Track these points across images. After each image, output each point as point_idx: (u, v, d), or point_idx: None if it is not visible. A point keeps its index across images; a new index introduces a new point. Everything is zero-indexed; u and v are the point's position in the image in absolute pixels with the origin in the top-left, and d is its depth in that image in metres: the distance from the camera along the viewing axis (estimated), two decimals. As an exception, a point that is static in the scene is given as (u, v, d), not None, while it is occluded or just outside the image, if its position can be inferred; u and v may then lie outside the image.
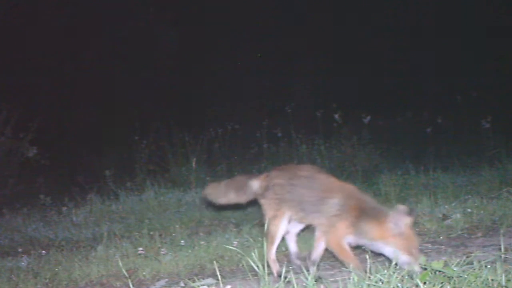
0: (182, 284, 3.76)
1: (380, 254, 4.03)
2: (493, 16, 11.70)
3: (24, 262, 4.54)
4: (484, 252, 3.52)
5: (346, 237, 3.47)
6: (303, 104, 9.48)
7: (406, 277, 2.82)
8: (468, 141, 8.57)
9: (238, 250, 3.82)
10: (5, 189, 7.44)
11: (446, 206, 5.07)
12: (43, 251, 4.88)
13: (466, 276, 2.74)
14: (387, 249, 3.34)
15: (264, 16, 12.43)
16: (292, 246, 3.88)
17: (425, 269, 2.79)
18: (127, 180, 7.11)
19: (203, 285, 3.33)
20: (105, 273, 4.15)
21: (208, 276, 3.79)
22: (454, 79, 10.81)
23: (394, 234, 3.28)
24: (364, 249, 4.17)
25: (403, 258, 3.21)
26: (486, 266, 2.84)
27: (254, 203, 5.94)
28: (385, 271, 2.83)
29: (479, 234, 4.51)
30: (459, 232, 4.53)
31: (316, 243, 3.67)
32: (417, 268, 3.08)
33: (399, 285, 2.74)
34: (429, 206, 5.08)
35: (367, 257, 3.19)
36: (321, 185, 3.59)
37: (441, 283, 2.72)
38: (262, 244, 3.32)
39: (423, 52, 11.95)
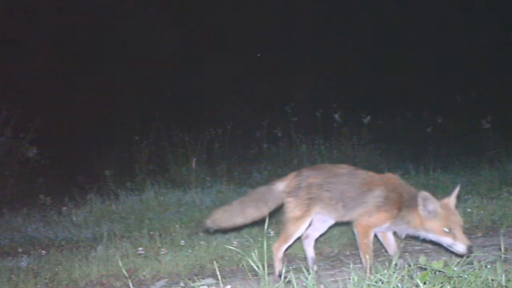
0: (182, 284, 3.76)
1: (380, 254, 4.04)
2: (493, 16, 11.70)
3: (24, 262, 4.54)
4: (484, 252, 3.52)
5: (379, 227, 3.49)
6: (303, 104, 9.48)
7: (406, 277, 2.82)
8: (468, 141, 8.57)
9: (238, 250, 3.82)
10: (5, 189, 7.43)
11: (446, 206, 5.06)
12: (43, 251, 4.88)
13: (466, 276, 2.74)
14: (429, 236, 3.43)
15: (264, 16, 12.43)
16: (310, 251, 3.84)
17: (425, 269, 2.79)
18: (127, 180, 7.11)
19: (203, 285, 3.33)
20: (105, 273, 4.15)
21: (208, 276, 3.79)
22: (454, 79, 10.81)
23: (425, 219, 3.36)
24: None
25: (443, 240, 3.34)
26: (486, 266, 2.84)
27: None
28: (385, 271, 2.83)
29: (479, 234, 4.51)
30: (459, 232, 4.53)
31: (385, 241, 3.69)
32: (460, 248, 3.23)
33: (399, 285, 2.74)
34: (429, 206, 5.07)
35: (367, 257, 3.19)
36: (362, 179, 3.60)
37: (441, 283, 2.72)
38: (262, 244, 3.32)
39: (423, 52, 11.95)
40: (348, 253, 4.26)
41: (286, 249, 4.26)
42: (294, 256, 4.24)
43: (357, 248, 4.23)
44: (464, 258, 3.04)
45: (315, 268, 3.74)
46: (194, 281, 3.37)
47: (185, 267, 4.12)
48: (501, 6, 11.43)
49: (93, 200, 6.36)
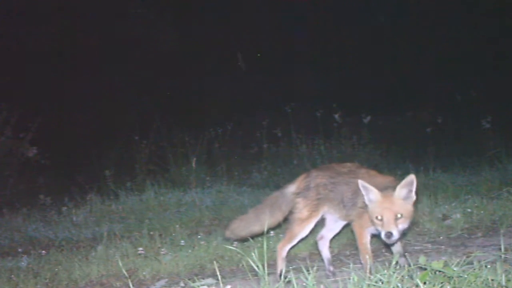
0: (182, 284, 3.76)
1: (380, 255, 4.04)
2: (493, 16, 11.70)
3: (24, 262, 4.54)
4: (484, 252, 3.52)
5: (372, 228, 3.44)
6: (303, 104, 9.48)
7: (406, 277, 2.82)
8: (468, 141, 8.57)
9: (238, 250, 3.82)
10: (5, 189, 7.43)
11: (446, 206, 5.07)
12: (43, 251, 4.87)
13: (466, 276, 2.74)
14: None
15: (265, 16, 12.43)
16: (326, 252, 3.84)
17: (425, 269, 2.79)
18: (127, 180, 7.11)
19: (203, 285, 3.33)
20: (105, 273, 4.15)
21: (208, 276, 3.79)
22: (454, 79, 10.81)
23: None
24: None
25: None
26: (486, 266, 2.84)
27: (253, 200, 5.99)
28: (385, 271, 2.83)
29: (479, 234, 4.51)
30: (459, 232, 4.54)
31: (359, 242, 3.58)
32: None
33: (399, 285, 2.74)
34: (429, 206, 5.08)
35: (367, 257, 3.18)
36: (368, 179, 3.52)
37: (441, 283, 2.72)
38: (262, 244, 3.32)
39: (423, 52, 11.95)
40: (348, 253, 4.26)
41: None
42: (294, 256, 4.24)
43: (357, 248, 4.24)
44: (464, 259, 3.03)
45: (331, 268, 3.75)
46: (194, 281, 3.37)
47: (185, 267, 4.12)
48: (501, 6, 11.43)
49: (93, 200, 6.36)
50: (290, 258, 4.18)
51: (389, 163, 7.81)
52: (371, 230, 3.45)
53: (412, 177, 3.28)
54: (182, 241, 4.62)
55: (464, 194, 5.46)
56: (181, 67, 11.91)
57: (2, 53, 9.62)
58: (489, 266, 2.84)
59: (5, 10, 10.06)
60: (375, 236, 3.47)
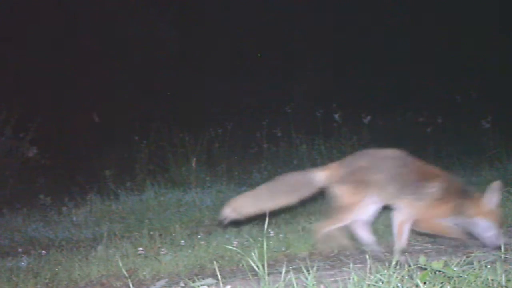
0: (182, 284, 3.76)
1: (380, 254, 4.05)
2: (493, 16, 11.70)
3: (24, 262, 4.54)
4: (484, 252, 3.51)
5: (441, 218, 3.72)
6: (303, 104, 9.48)
7: (406, 277, 2.82)
8: (468, 141, 8.56)
9: (238, 250, 3.82)
10: (5, 189, 7.43)
11: (446, 206, 5.06)
12: (43, 251, 4.87)
13: (466, 276, 2.74)
14: (482, 224, 3.69)
15: (265, 16, 12.43)
16: (367, 235, 3.93)
17: (425, 269, 2.79)
18: (127, 180, 7.11)
19: (203, 285, 3.33)
20: (105, 273, 4.15)
21: (208, 276, 3.79)
22: (454, 79, 10.81)
23: (489, 210, 3.68)
24: (364, 248, 4.18)
25: (494, 231, 3.64)
26: (486, 266, 2.84)
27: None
28: (385, 271, 2.83)
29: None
30: (459, 232, 4.53)
31: (401, 229, 3.80)
32: (501, 241, 3.47)
33: (399, 285, 2.74)
34: (429, 206, 5.07)
35: (367, 257, 3.18)
36: (419, 168, 3.80)
37: (441, 283, 2.72)
38: (262, 244, 3.32)
39: (423, 52, 11.95)
40: (348, 253, 4.25)
41: (286, 249, 4.28)
42: (294, 256, 4.23)
43: (357, 248, 4.24)
44: (464, 259, 3.03)
45: (380, 249, 3.87)
46: (194, 281, 3.37)
47: (185, 267, 4.12)
48: (501, 6, 11.43)
49: (93, 200, 6.36)
50: (290, 258, 4.18)
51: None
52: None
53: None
54: (182, 241, 4.62)
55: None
56: (181, 67, 11.91)
57: (2, 53, 9.62)
58: (489, 266, 2.84)
59: (5, 9, 10.06)
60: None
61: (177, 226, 5.27)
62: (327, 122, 8.17)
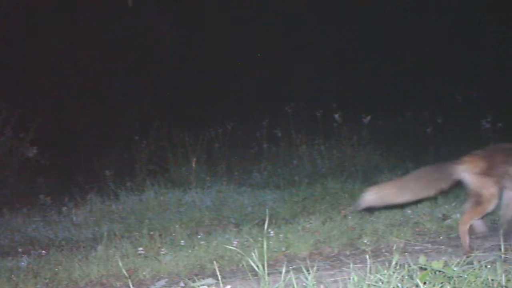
0: (182, 284, 3.76)
1: (380, 254, 4.04)
2: (493, 16, 11.70)
3: (24, 262, 4.54)
4: (484, 252, 3.52)
5: None
6: (303, 104, 9.47)
7: (406, 277, 2.82)
8: (468, 141, 8.55)
9: (238, 250, 3.82)
10: (5, 189, 7.43)
11: (446, 206, 5.08)
12: (43, 251, 4.87)
13: (466, 276, 2.74)
14: None
15: (265, 16, 12.43)
16: (481, 225, 4.15)
17: (425, 269, 2.79)
18: (127, 180, 7.11)
19: (203, 285, 3.33)
20: (105, 273, 4.15)
21: (208, 276, 3.79)
22: (454, 79, 10.80)
23: None
24: (364, 249, 4.19)
25: None
26: (486, 266, 2.84)
27: (253, 200, 5.99)
28: (385, 271, 2.83)
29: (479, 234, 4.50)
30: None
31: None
32: None
33: (399, 285, 2.74)
34: (429, 206, 5.09)
35: (367, 257, 3.18)
36: None
37: (441, 283, 2.72)
38: (262, 244, 3.32)
39: (423, 52, 11.95)
40: (348, 253, 4.25)
41: (286, 249, 4.29)
42: (294, 256, 4.24)
43: (357, 248, 4.25)
44: (464, 259, 3.03)
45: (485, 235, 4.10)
46: (194, 281, 3.37)
47: (185, 267, 4.12)
48: (501, 6, 11.43)
49: (93, 200, 6.35)
50: (290, 258, 4.18)
51: (389, 163, 7.80)
52: None
53: None
54: (182, 241, 4.62)
55: (464, 194, 5.45)
56: (182, 67, 11.91)
57: (2, 53, 9.62)
58: (489, 266, 2.84)
59: (5, 10, 10.06)
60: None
61: (177, 226, 5.27)
62: (327, 122, 8.16)
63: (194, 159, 7.39)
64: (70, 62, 10.94)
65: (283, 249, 4.29)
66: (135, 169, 7.58)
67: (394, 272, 2.81)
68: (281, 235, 4.55)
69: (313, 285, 2.86)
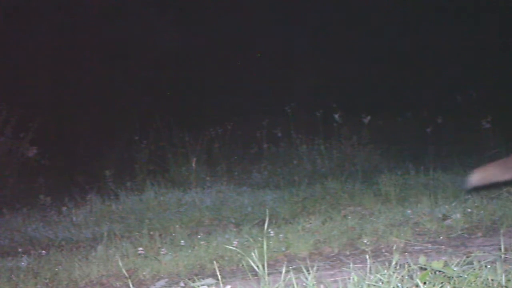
0: (182, 284, 3.76)
1: (380, 254, 4.04)
2: (493, 16, 11.70)
3: (24, 262, 4.53)
4: (484, 252, 3.52)
5: None
6: (303, 104, 9.48)
7: (406, 277, 2.82)
8: (468, 141, 8.57)
9: (238, 250, 3.82)
10: (5, 189, 7.43)
11: (446, 206, 5.07)
12: (43, 251, 4.87)
13: (466, 276, 2.74)
14: None
15: (264, 15, 12.43)
16: None
17: (425, 269, 2.79)
18: (127, 180, 7.10)
19: (203, 285, 3.33)
20: (105, 273, 4.14)
21: (208, 276, 3.78)
22: (454, 79, 10.80)
23: None
24: (364, 249, 4.19)
25: None
26: (486, 266, 2.84)
27: (253, 200, 5.99)
28: (385, 271, 2.83)
29: (479, 234, 4.51)
30: (459, 232, 4.53)
31: None
32: None
33: (399, 285, 2.74)
34: (429, 206, 5.09)
35: (367, 257, 3.18)
36: None
37: (441, 283, 2.72)
38: (262, 244, 3.32)
39: (423, 52, 11.95)
40: (348, 253, 4.25)
41: (286, 249, 4.28)
42: (294, 256, 4.24)
43: (357, 248, 4.25)
44: (464, 259, 3.03)
45: None
46: (194, 281, 3.37)
47: (185, 267, 4.11)
48: (501, 6, 11.43)
49: (93, 200, 6.35)
50: (290, 258, 4.18)
51: (389, 163, 7.81)
52: None
53: None
54: (182, 241, 4.62)
55: (464, 194, 5.46)
56: (182, 67, 11.91)
57: (2, 53, 9.62)
58: (489, 266, 2.84)
59: (4, 9, 10.06)
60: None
61: (177, 226, 5.27)
62: (327, 122, 8.17)
63: (194, 159, 7.40)
64: (70, 62, 10.94)
65: (283, 249, 4.29)
66: (135, 169, 7.59)
67: (394, 272, 2.81)
68: (281, 235, 4.55)
69: (313, 285, 2.85)
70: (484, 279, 2.72)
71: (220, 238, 4.61)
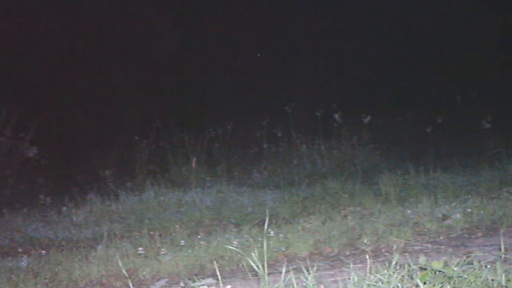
0: (182, 284, 3.76)
1: (380, 255, 4.04)
2: (493, 16, 11.69)
3: (24, 262, 4.53)
4: (484, 252, 3.52)
5: None
6: (303, 104, 9.48)
7: (406, 277, 2.82)
8: (468, 141, 8.57)
9: (238, 250, 3.82)
10: (5, 189, 7.43)
11: (446, 206, 5.07)
12: (43, 251, 4.87)
13: (466, 276, 2.74)
14: None
15: (265, 15, 12.43)
16: None
17: (425, 269, 2.79)
18: (127, 180, 7.11)
19: (203, 285, 3.33)
20: (105, 273, 4.14)
21: (208, 276, 3.78)
22: (454, 79, 10.80)
23: None
24: (364, 249, 4.19)
25: None
26: (486, 266, 2.83)
27: (253, 200, 6.00)
28: (385, 271, 2.83)
29: (479, 234, 4.50)
30: (459, 232, 4.53)
31: None
32: None
33: (399, 285, 2.74)
34: (429, 206, 5.09)
35: (367, 257, 3.18)
36: None
37: (441, 283, 2.72)
38: (262, 244, 3.32)
39: (422, 52, 11.94)
40: (348, 253, 4.25)
41: (286, 249, 4.29)
42: (294, 256, 4.24)
43: (357, 248, 4.25)
44: (464, 259, 3.03)
45: None
46: (194, 281, 3.37)
47: (185, 267, 4.11)
48: (501, 6, 11.42)
49: (93, 200, 6.35)
50: (290, 258, 4.18)
51: (389, 163, 7.81)
52: None
53: None
54: (182, 241, 4.62)
55: (464, 194, 5.46)
56: (181, 67, 11.90)
57: (2, 53, 9.62)
58: (489, 266, 2.84)
59: (4, 9, 10.06)
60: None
61: (177, 226, 5.27)
62: (327, 122, 8.17)
63: (194, 159, 7.40)
64: (70, 62, 10.93)
65: (283, 249, 4.29)
66: (135, 169, 7.59)
67: (394, 272, 2.80)
68: (281, 235, 4.55)
69: (313, 285, 2.85)
70: (484, 279, 2.72)
71: (220, 238, 4.62)
